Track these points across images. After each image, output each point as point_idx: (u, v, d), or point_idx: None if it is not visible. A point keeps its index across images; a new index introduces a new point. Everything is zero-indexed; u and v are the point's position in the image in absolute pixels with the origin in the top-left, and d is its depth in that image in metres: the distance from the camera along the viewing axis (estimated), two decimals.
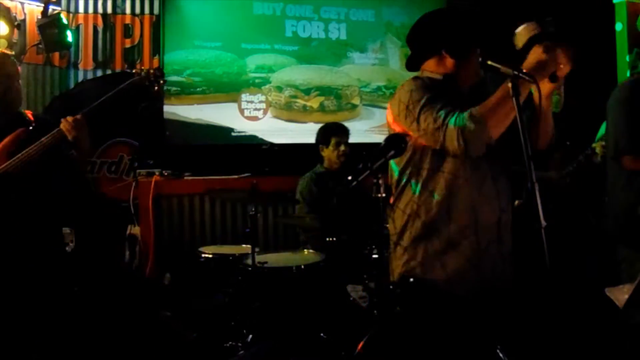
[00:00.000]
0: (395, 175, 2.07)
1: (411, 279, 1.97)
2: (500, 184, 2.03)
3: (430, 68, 2.09)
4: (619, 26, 5.08)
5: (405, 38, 2.18)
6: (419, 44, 2.13)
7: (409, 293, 1.98)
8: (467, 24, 2.09)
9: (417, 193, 1.99)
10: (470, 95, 2.06)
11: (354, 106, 5.63)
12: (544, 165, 3.75)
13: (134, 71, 2.91)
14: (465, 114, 1.80)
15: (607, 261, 3.26)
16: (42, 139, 2.69)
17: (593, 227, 3.82)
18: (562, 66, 1.82)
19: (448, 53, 2.03)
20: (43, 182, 2.78)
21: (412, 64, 2.16)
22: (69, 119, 2.70)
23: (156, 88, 2.86)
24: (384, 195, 1.68)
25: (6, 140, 2.71)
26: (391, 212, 2.11)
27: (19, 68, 2.94)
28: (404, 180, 2.02)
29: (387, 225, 2.15)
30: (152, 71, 2.86)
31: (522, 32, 1.88)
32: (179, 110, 5.10)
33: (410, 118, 1.93)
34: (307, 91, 5.50)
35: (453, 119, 1.81)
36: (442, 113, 1.84)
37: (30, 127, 2.76)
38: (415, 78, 2.05)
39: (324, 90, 5.53)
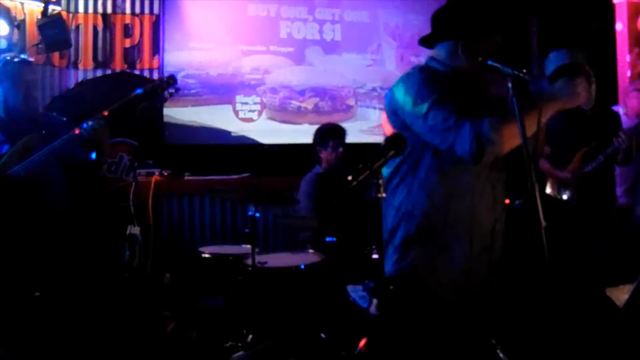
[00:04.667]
0: (388, 170, 2.00)
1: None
2: (497, 192, 2.01)
3: (440, 55, 2.03)
4: (619, 26, 5.08)
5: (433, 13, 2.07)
6: (439, 24, 2.04)
7: (398, 293, 1.90)
8: (491, 20, 2.00)
9: (413, 193, 1.94)
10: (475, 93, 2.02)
11: (349, 107, 5.63)
12: (562, 164, 3.76)
13: (147, 78, 2.95)
14: (486, 123, 1.75)
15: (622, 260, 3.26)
16: (54, 143, 2.71)
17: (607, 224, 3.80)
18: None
19: (464, 52, 1.96)
20: (50, 185, 2.80)
21: (426, 40, 2.08)
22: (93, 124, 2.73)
23: (168, 97, 2.90)
24: (384, 195, 1.68)
25: (20, 143, 2.73)
26: (383, 209, 2.03)
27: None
28: (398, 177, 1.97)
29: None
30: (165, 79, 2.90)
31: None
32: (173, 113, 5.10)
33: (417, 112, 1.87)
34: (301, 92, 5.49)
35: (469, 124, 1.76)
36: (453, 114, 1.80)
37: (43, 132, 2.79)
38: (422, 69, 1.99)
39: (319, 92, 5.53)
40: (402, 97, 1.93)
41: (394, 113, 1.99)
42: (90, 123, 2.75)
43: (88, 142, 2.80)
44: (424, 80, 1.92)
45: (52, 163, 2.74)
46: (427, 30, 2.09)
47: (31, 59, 3.03)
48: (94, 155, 2.90)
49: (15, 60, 2.84)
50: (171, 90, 2.92)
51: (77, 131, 2.74)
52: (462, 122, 1.78)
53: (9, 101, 2.78)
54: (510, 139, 1.76)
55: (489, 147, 1.75)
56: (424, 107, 1.85)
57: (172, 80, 2.92)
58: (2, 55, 2.91)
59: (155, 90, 2.89)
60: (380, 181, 1.65)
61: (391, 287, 1.69)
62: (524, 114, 1.74)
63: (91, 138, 2.76)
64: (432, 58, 2.06)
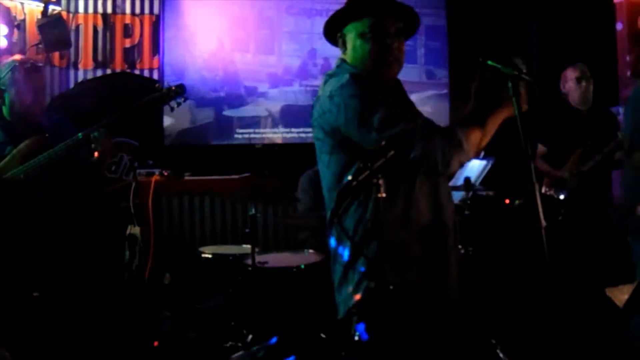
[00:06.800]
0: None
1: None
2: (447, 184, 1.96)
3: (346, 57, 1.94)
4: (619, 26, 5.08)
5: None
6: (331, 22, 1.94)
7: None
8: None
9: (369, 210, 1.76)
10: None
11: None
12: (558, 164, 3.76)
13: (156, 85, 2.92)
14: (457, 132, 1.72)
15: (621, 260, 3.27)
16: (56, 147, 2.71)
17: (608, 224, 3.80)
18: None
19: (371, 38, 1.86)
20: (50, 187, 2.81)
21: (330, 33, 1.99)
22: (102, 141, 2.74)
23: (176, 106, 2.88)
24: (384, 195, 1.67)
25: (21, 146, 2.73)
26: (336, 231, 1.90)
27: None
28: (349, 197, 1.80)
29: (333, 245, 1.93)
30: (173, 88, 2.87)
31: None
32: (174, 112, 5.07)
33: (366, 127, 1.75)
34: (305, 92, 5.48)
35: (441, 135, 1.72)
36: (413, 125, 1.73)
37: (46, 135, 2.79)
38: (353, 77, 1.83)
39: None
40: (343, 112, 1.79)
41: (332, 131, 1.85)
42: (95, 134, 2.73)
43: (91, 148, 2.80)
44: (360, 89, 1.79)
45: (53, 166, 2.74)
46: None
47: (40, 64, 3.00)
48: (95, 159, 2.88)
49: (26, 67, 2.82)
50: (179, 100, 2.88)
51: (81, 139, 2.73)
52: (430, 132, 1.73)
53: (15, 106, 2.78)
54: (477, 144, 1.77)
55: (459, 155, 1.73)
56: (375, 121, 1.74)
57: (180, 89, 2.89)
58: (12, 59, 2.89)
59: (162, 100, 2.87)
60: (381, 181, 1.64)
61: (391, 287, 1.66)
62: (495, 122, 1.76)
63: (96, 147, 2.75)
64: (343, 60, 1.95)
